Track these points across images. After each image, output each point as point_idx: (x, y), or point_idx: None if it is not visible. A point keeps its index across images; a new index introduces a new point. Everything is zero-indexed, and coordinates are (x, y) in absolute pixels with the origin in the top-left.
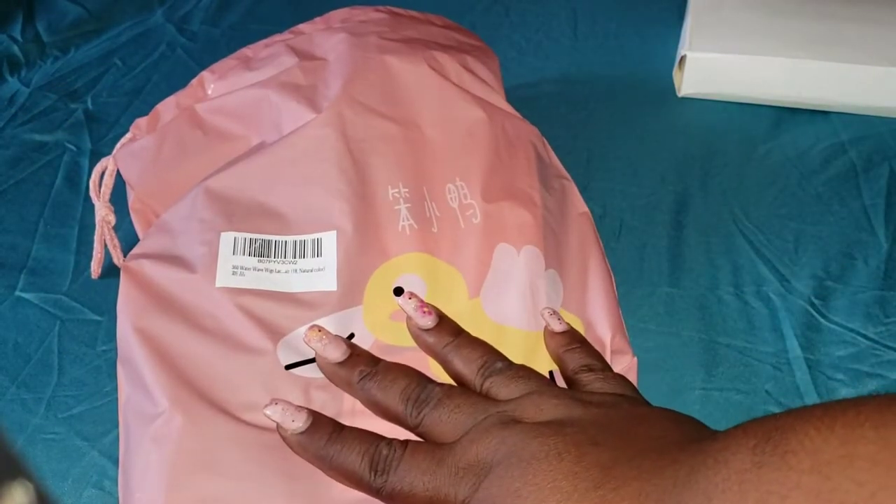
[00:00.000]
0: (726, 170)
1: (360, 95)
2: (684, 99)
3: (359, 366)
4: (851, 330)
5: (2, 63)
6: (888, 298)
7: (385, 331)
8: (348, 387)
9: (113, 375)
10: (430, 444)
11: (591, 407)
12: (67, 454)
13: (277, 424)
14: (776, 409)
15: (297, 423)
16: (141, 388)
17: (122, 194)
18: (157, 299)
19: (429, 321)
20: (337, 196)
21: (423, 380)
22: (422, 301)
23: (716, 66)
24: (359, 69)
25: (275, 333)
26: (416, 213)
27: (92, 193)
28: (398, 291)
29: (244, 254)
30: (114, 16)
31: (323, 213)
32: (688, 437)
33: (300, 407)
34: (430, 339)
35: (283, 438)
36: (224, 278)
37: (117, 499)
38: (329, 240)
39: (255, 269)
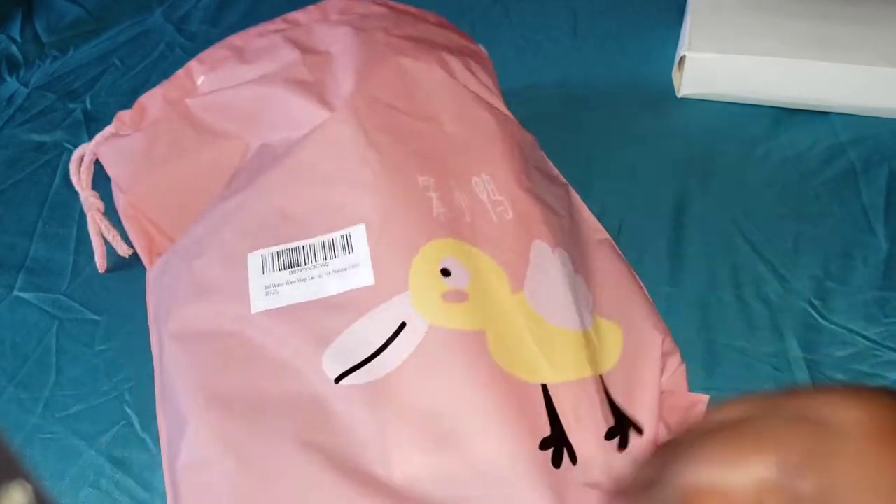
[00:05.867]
0: (726, 170)
1: (375, 91)
2: (684, 99)
3: None
4: (851, 330)
5: (1, 63)
6: (887, 299)
7: (439, 314)
8: None
9: (111, 374)
10: None
11: None
12: (65, 453)
13: None
14: None
15: None
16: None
17: (103, 181)
18: (216, 355)
19: None
20: (361, 188)
21: None
22: None
23: (715, 66)
24: (371, 66)
25: (319, 346)
26: (448, 203)
27: (74, 181)
28: (445, 273)
29: (274, 270)
30: (113, 16)
31: (348, 207)
32: None
33: None
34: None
35: None
36: (259, 302)
37: (114, 498)
38: (358, 234)
39: (287, 282)
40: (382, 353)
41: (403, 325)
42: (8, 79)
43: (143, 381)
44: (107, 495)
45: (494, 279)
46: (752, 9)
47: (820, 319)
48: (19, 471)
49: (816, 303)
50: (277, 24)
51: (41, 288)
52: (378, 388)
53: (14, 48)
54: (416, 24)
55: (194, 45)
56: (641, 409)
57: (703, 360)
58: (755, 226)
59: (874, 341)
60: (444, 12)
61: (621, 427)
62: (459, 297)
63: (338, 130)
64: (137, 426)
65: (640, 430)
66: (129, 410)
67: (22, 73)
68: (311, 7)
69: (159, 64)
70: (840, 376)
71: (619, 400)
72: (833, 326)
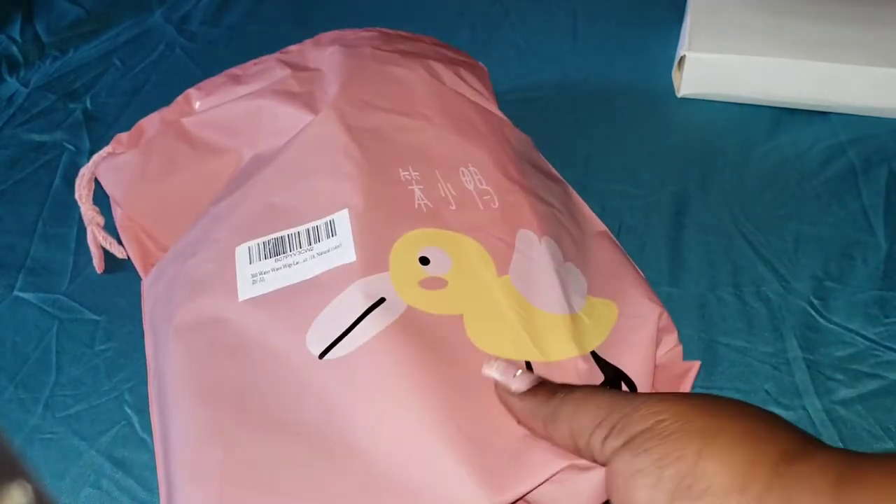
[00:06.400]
0: (725, 170)
1: (360, 93)
2: (683, 99)
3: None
4: (850, 330)
5: (1, 63)
6: (887, 299)
7: (417, 299)
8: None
9: (111, 374)
10: None
11: None
12: (65, 454)
13: (498, 384)
14: (776, 409)
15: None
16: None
17: (106, 196)
18: (205, 347)
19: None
20: (345, 178)
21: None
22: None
23: (715, 66)
24: (356, 73)
25: (303, 326)
26: (431, 195)
27: (77, 197)
28: (424, 261)
29: (260, 259)
30: (113, 16)
31: (333, 196)
32: None
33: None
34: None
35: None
36: (245, 290)
37: (115, 498)
38: (342, 218)
39: (273, 269)
40: (361, 324)
41: (382, 299)
42: (8, 79)
43: (144, 381)
44: (107, 495)
45: (479, 261)
46: (752, 9)
47: (820, 319)
48: (19, 471)
49: (816, 303)
50: (274, 55)
51: (41, 288)
52: (358, 358)
53: (14, 48)
54: (407, 43)
55: (194, 45)
56: (635, 372)
57: (703, 359)
58: (755, 226)
59: (874, 341)
60: (444, 13)
61: (613, 381)
62: (438, 283)
63: (321, 129)
64: (137, 426)
65: (633, 388)
66: (129, 410)
67: (22, 73)
68: (306, 41)
69: (159, 64)
70: (840, 376)
71: (612, 360)
72: (833, 326)
